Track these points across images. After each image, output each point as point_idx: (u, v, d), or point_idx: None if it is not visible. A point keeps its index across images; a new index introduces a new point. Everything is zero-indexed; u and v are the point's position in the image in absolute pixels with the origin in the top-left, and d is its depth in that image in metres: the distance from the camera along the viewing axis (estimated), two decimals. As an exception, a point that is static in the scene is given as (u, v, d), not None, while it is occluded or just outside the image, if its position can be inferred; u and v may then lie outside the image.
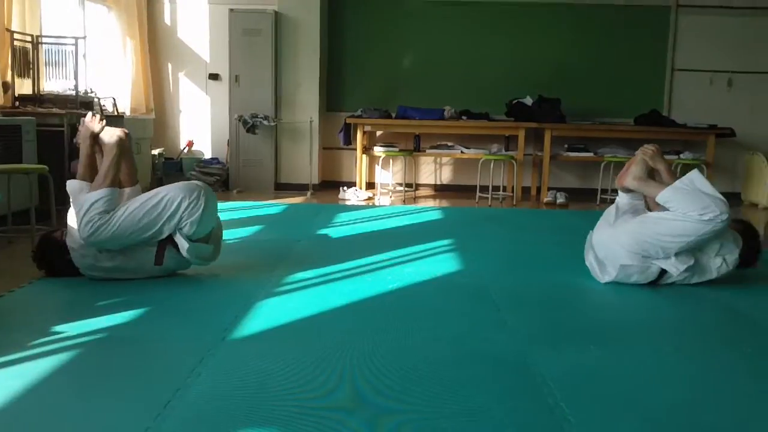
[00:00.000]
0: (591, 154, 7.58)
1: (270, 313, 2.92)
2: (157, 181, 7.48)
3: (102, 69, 7.16)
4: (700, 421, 1.97)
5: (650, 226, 3.32)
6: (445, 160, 8.18)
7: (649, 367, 2.40)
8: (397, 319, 2.89)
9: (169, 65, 8.03)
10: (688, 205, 3.22)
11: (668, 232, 3.25)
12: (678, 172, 5.66)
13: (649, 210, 3.55)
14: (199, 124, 8.06)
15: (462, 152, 7.65)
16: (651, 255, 3.32)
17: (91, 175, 3.39)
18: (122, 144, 3.43)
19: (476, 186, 7.29)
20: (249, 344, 2.53)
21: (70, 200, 3.34)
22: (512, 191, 7.48)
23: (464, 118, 7.56)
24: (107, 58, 7.22)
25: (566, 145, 7.67)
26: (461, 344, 2.60)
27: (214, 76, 7.96)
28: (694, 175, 3.40)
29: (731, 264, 3.42)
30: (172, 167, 7.72)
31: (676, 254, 3.30)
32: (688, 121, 7.64)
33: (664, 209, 3.34)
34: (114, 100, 6.80)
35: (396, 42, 8.02)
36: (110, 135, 3.44)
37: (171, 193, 3.26)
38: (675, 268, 3.30)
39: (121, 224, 3.17)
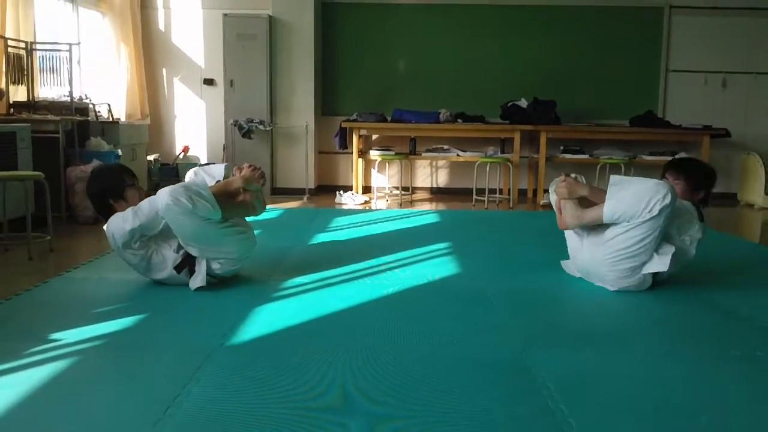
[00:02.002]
0: (587, 156, 7.59)
1: (268, 318, 2.91)
2: (154, 187, 7.47)
3: (96, 75, 7.14)
4: (697, 422, 1.97)
5: (615, 246, 3.28)
6: (441, 163, 8.18)
7: (645, 369, 2.40)
8: (395, 322, 2.89)
9: (164, 70, 8.02)
10: (633, 209, 3.17)
11: (633, 241, 3.22)
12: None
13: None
14: (195, 130, 8.06)
15: (458, 155, 7.65)
16: (636, 264, 3.30)
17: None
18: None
19: (472, 189, 7.29)
20: (247, 350, 2.52)
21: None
22: (508, 194, 7.49)
23: (460, 121, 7.56)
24: (102, 64, 7.20)
25: (562, 147, 7.68)
26: (459, 347, 2.59)
27: (209, 81, 7.95)
28: (615, 179, 3.32)
29: (697, 234, 3.38)
30: (168, 173, 7.70)
31: (657, 251, 3.27)
32: (682, 121, 7.66)
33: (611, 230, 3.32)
34: (109, 106, 6.79)
35: (390, 45, 8.03)
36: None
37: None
38: (663, 264, 3.27)
39: (192, 220, 3.15)
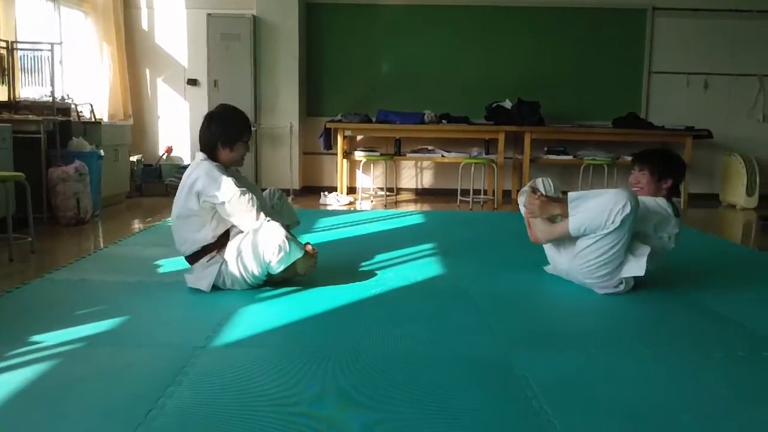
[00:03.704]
0: (570, 157, 7.62)
1: (252, 319, 2.90)
2: (136, 188, 7.42)
3: (79, 75, 7.09)
4: (679, 423, 1.98)
5: (587, 257, 3.32)
6: (425, 164, 8.19)
7: (629, 370, 2.41)
8: (380, 323, 2.88)
9: (147, 71, 7.97)
10: (597, 222, 3.20)
11: (603, 251, 3.25)
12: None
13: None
14: (178, 130, 8.01)
15: (442, 156, 7.66)
16: (611, 270, 3.32)
17: None
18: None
19: (457, 190, 7.31)
20: (231, 351, 2.51)
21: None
22: (493, 195, 7.51)
23: (444, 122, 7.57)
24: (84, 64, 7.14)
25: (546, 148, 7.71)
26: (444, 348, 2.59)
27: (192, 82, 7.91)
28: (573, 196, 3.36)
29: (673, 229, 3.40)
30: (151, 174, 7.66)
31: (633, 253, 3.29)
32: (665, 123, 7.71)
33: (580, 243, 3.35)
34: (91, 106, 6.73)
35: (375, 46, 8.02)
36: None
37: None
38: (639, 268, 3.29)
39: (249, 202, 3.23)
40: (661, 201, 3.44)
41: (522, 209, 3.70)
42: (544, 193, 3.61)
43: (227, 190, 3.22)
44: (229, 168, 3.42)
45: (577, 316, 3.16)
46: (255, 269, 3.24)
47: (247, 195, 3.25)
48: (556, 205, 3.50)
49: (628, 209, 3.15)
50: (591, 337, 2.78)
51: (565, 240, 3.50)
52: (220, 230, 3.34)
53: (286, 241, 3.19)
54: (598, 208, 3.20)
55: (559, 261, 3.63)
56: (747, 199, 7.44)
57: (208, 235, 3.32)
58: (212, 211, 3.30)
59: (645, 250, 3.29)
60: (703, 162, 8.00)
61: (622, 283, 3.38)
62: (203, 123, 3.41)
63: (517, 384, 2.22)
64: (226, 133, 3.36)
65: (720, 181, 7.91)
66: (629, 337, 2.81)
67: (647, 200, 3.40)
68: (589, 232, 3.26)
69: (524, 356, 2.49)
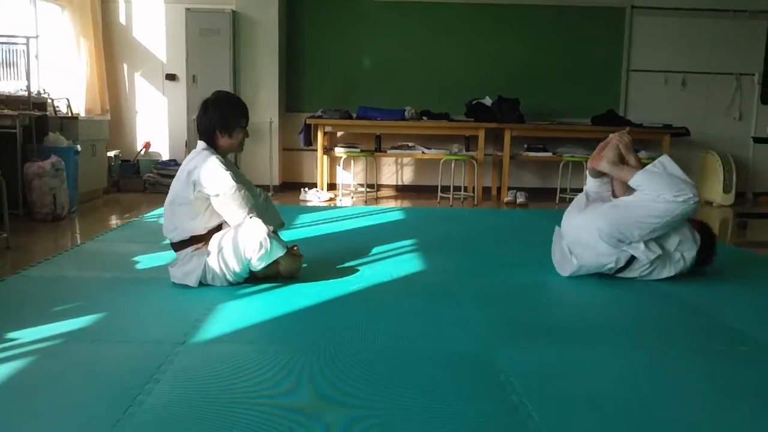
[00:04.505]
0: (550, 154, 7.66)
1: (232, 315, 2.88)
2: (114, 184, 7.35)
3: (55, 69, 6.99)
4: (658, 417, 1.99)
5: (624, 208, 3.39)
6: (406, 160, 8.19)
7: (609, 364, 2.42)
8: (360, 320, 2.87)
9: (125, 65, 7.89)
10: (661, 188, 3.29)
11: (642, 213, 3.32)
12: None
13: (616, 196, 3.61)
14: (156, 125, 7.94)
15: (423, 152, 7.66)
16: (625, 238, 3.37)
17: None
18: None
19: (438, 186, 7.31)
20: (210, 348, 2.49)
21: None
22: (473, 191, 7.52)
23: (425, 118, 7.57)
24: (60, 58, 7.05)
25: (525, 145, 7.74)
26: (425, 343, 2.59)
27: (171, 77, 7.84)
28: (665, 159, 3.46)
29: (689, 261, 3.50)
30: (129, 169, 7.59)
31: (646, 243, 3.36)
32: (643, 120, 7.78)
33: (631, 196, 3.41)
34: (68, 101, 6.65)
35: (356, 42, 8.00)
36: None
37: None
38: (645, 255, 3.38)
39: (237, 192, 3.22)
40: (697, 233, 3.57)
41: (611, 136, 3.70)
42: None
43: (223, 183, 3.21)
44: (227, 160, 3.40)
45: (557, 311, 3.18)
46: (235, 266, 3.22)
47: (241, 191, 3.24)
48: (636, 157, 3.64)
49: (693, 201, 3.29)
50: (571, 332, 2.80)
51: (603, 196, 3.61)
52: (213, 223, 3.32)
53: (268, 239, 3.17)
54: (672, 179, 3.33)
55: (575, 218, 3.59)
56: (724, 196, 7.52)
57: (199, 226, 3.30)
58: (206, 203, 3.27)
59: (658, 249, 3.40)
60: (680, 160, 7.90)
61: (614, 256, 3.42)
62: (200, 110, 3.38)
63: (497, 379, 2.23)
64: (224, 120, 3.34)
65: (697, 179, 7.98)
66: (609, 331, 2.83)
67: (690, 225, 3.55)
68: (647, 191, 3.33)
69: (504, 351, 2.50)
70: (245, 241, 3.17)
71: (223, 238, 3.23)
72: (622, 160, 3.62)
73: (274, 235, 3.27)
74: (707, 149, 7.88)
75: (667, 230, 3.38)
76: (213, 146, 3.35)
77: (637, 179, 3.38)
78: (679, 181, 3.32)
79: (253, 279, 3.36)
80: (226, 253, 3.20)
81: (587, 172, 3.80)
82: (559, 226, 3.72)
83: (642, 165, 3.55)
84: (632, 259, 3.44)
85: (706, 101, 8.16)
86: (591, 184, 3.75)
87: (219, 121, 3.33)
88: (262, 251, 3.17)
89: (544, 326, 2.87)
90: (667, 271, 3.51)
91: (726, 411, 2.05)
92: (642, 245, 3.38)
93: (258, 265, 3.23)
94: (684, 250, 3.47)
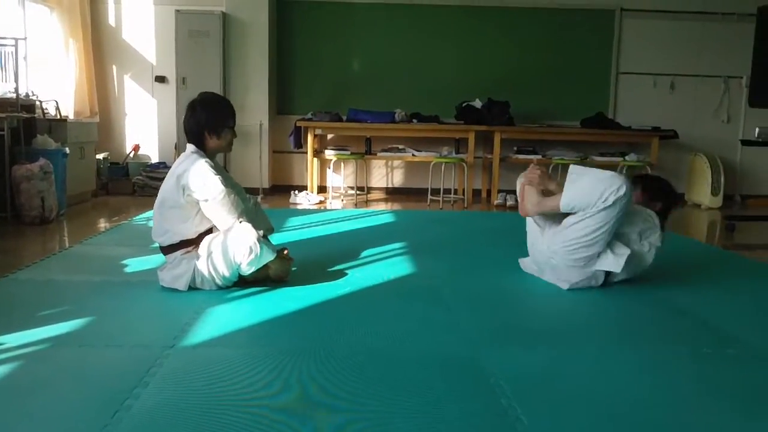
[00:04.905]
0: (539, 157, 7.68)
1: (221, 319, 2.87)
2: (103, 187, 7.32)
3: (44, 71, 6.96)
4: (646, 418, 2.00)
5: (570, 235, 3.36)
6: (396, 163, 8.19)
7: (597, 367, 2.43)
8: (350, 323, 2.87)
9: (114, 67, 7.86)
10: (588, 200, 3.24)
11: (587, 231, 3.29)
12: (623, 173, 5.74)
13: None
14: (146, 128, 7.91)
15: (413, 155, 7.66)
16: (590, 255, 3.36)
17: None
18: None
19: (428, 189, 7.32)
20: (200, 352, 2.48)
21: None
22: (463, 194, 7.54)
23: (415, 121, 7.58)
24: (49, 59, 7.01)
25: (515, 148, 7.76)
26: (414, 346, 2.59)
27: (160, 79, 7.82)
28: (574, 169, 3.40)
29: (657, 241, 3.48)
30: (118, 172, 7.55)
31: (613, 251, 3.35)
32: (632, 123, 7.81)
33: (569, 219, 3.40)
34: (56, 103, 6.61)
35: (346, 45, 8.00)
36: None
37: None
38: (617, 265, 3.35)
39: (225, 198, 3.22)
40: (651, 212, 3.53)
41: (519, 182, 3.70)
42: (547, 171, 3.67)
43: (213, 188, 3.19)
44: (216, 164, 3.39)
45: (546, 314, 3.19)
46: (225, 270, 3.21)
47: (231, 196, 3.23)
48: (553, 181, 3.57)
49: (622, 191, 3.20)
50: (559, 334, 2.81)
51: (549, 221, 3.55)
52: (203, 227, 3.31)
53: (258, 244, 3.16)
54: (592, 185, 3.26)
55: (539, 244, 3.62)
56: (712, 198, 7.56)
57: (189, 230, 3.29)
58: (196, 207, 3.26)
59: (625, 251, 3.36)
60: (669, 162, 8.12)
61: (593, 277, 3.42)
62: (187, 112, 3.36)
63: (486, 381, 2.23)
64: (211, 121, 3.32)
65: (686, 181, 8.03)
66: (597, 334, 2.84)
67: (638, 207, 3.51)
68: (579, 209, 3.29)
69: (493, 353, 2.50)
70: (235, 245, 3.16)
71: (213, 242, 3.22)
72: (545, 192, 3.57)
73: (263, 239, 3.27)
74: (696, 152, 7.92)
75: (619, 227, 3.34)
76: (202, 148, 3.34)
77: (564, 204, 3.34)
78: (599, 183, 3.25)
79: (242, 282, 3.35)
80: (215, 257, 3.19)
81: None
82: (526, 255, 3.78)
83: (561, 185, 3.48)
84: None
85: (694, 104, 8.20)
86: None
87: (207, 122, 3.32)
88: (252, 256, 3.16)
89: (533, 329, 2.88)
90: (646, 262, 3.51)
91: (714, 413, 2.06)
92: (609, 255, 3.35)
93: (247, 270, 3.22)
94: (648, 238, 3.46)
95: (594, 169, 3.40)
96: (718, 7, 7.99)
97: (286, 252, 3.51)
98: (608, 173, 3.32)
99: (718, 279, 3.93)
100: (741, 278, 4.03)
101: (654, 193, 3.66)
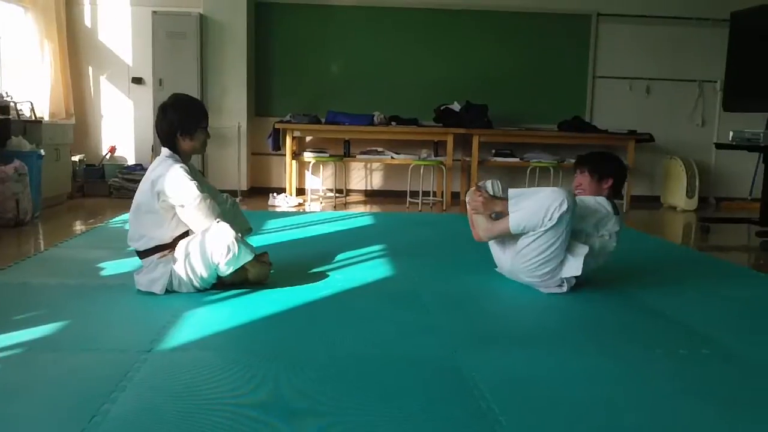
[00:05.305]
0: (517, 160, 7.73)
1: (199, 323, 2.85)
2: (78, 189, 7.24)
3: (19, 72, 6.87)
4: (623, 419, 2.02)
5: (527, 255, 3.38)
6: (375, 165, 8.20)
7: (575, 368, 2.45)
8: (329, 325, 2.87)
9: (90, 68, 7.78)
10: (534, 220, 3.26)
11: (542, 249, 3.32)
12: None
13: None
14: (122, 130, 7.84)
15: (392, 158, 7.67)
16: (552, 271, 3.39)
17: None
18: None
19: (407, 191, 7.33)
20: (177, 355, 2.46)
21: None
22: (442, 196, 7.56)
23: (394, 123, 7.59)
24: (24, 60, 6.93)
25: (493, 151, 7.80)
26: (393, 349, 2.59)
27: (137, 80, 7.75)
28: (512, 193, 3.42)
29: (614, 227, 3.48)
30: (94, 174, 7.47)
31: (572, 254, 3.36)
32: (609, 126, 7.88)
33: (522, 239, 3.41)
34: (31, 104, 6.54)
35: (325, 47, 7.99)
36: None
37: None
38: (576, 269, 3.37)
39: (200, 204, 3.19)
40: (601, 200, 3.52)
41: (468, 201, 3.72)
42: (491, 193, 3.66)
43: (188, 193, 3.17)
44: (191, 167, 3.37)
45: (524, 316, 3.21)
46: (203, 271, 3.19)
47: (207, 201, 3.20)
48: (498, 203, 3.55)
49: (565, 206, 3.21)
50: (538, 337, 2.82)
51: (507, 238, 3.57)
52: (179, 232, 3.28)
53: (236, 243, 3.15)
54: (536, 205, 3.27)
55: (503, 260, 3.69)
56: (687, 201, 7.66)
57: (165, 235, 3.26)
58: (172, 211, 3.24)
59: (583, 250, 3.37)
60: (645, 165, 8.21)
61: (564, 283, 3.45)
62: (158, 114, 3.33)
63: (464, 384, 2.24)
64: (183, 122, 3.29)
65: (661, 184, 8.12)
66: (575, 336, 2.87)
67: (587, 199, 3.50)
68: (529, 229, 3.32)
69: (472, 356, 2.51)
70: (212, 245, 3.15)
71: (190, 244, 3.20)
72: (494, 215, 3.57)
73: (241, 240, 3.25)
74: (671, 155, 8.02)
75: (574, 224, 3.35)
76: (175, 150, 3.31)
77: (513, 227, 3.36)
78: (541, 201, 3.26)
79: (220, 285, 3.33)
80: (193, 258, 3.17)
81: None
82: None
83: (505, 200, 3.48)
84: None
85: (669, 108, 8.30)
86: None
87: (179, 123, 3.28)
88: (230, 255, 3.15)
89: (511, 331, 2.90)
90: (608, 249, 3.51)
91: (689, 413, 2.09)
92: (570, 259, 3.37)
93: (226, 270, 3.21)
94: (605, 227, 3.47)
95: (534, 189, 3.45)
96: (693, 13, 8.10)
97: (266, 257, 3.51)
98: (548, 190, 3.34)
99: (692, 280, 3.97)
100: (715, 279, 4.08)
101: (602, 172, 3.61)
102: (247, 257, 3.24)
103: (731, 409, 2.13)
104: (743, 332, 3.00)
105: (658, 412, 2.09)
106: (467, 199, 3.72)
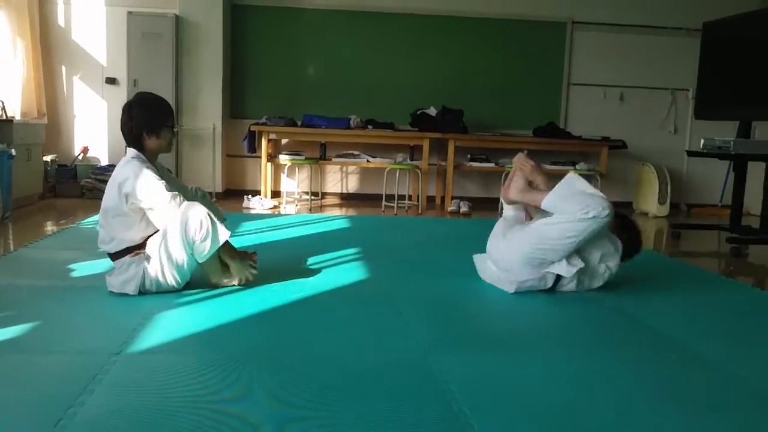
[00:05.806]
0: (492, 165, 7.77)
1: (170, 324, 2.83)
2: (50, 189, 7.15)
3: (-11, 70, 6.78)
4: (592, 421, 2.04)
5: (539, 232, 3.41)
6: (351, 168, 8.19)
7: (546, 371, 2.47)
8: (301, 329, 2.86)
9: (63, 68, 7.69)
10: (570, 207, 3.33)
11: (557, 234, 3.35)
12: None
13: (531, 218, 3.70)
14: (95, 130, 7.75)
15: (368, 161, 7.68)
16: (546, 259, 3.43)
17: None
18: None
19: (382, 195, 7.34)
20: (148, 358, 2.44)
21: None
22: (417, 200, 7.57)
23: (370, 127, 7.60)
24: (-5, 59, 6.84)
25: (469, 156, 7.83)
26: (366, 351, 2.59)
27: (111, 80, 7.68)
28: (571, 178, 3.50)
29: (614, 268, 3.58)
30: (66, 174, 7.38)
31: (568, 261, 3.42)
32: (582, 133, 7.95)
33: (546, 216, 3.47)
34: (2, 103, 6.45)
35: (301, 50, 7.98)
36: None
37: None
38: (567, 271, 3.42)
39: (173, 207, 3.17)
40: (617, 239, 3.60)
41: (515, 162, 3.81)
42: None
43: (157, 194, 3.14)
44: (158, 166, 3.34)
45: (496, 319, 3.22)
46: (179, 254, 3.16)
47: (177, 199, 3.18)
48: (543, 176, 3.69)
49: (605, 213, 3.30)
50: (509, 340, 2.84)
51: (517, 223, 3.67)
52: (149, 232, 3.25)
53: (208, 218, 3.14)
54: (580, 197, 3.35)
55: (500, 239, 3.64)
56: (659, 207, 7.74)
57: (136, 236, 3.23)
58: (141, 212, 3.21)
59: (579, 263, 3.44)
60: (617, 171, 8.29)
61: (543, 279, 3.49)
62: (123, 114, 3.29)
63: (436, 386, 2.24)
64: (149, 121, 3.25)
65: (634, 190, 8.21)
66: (546, 339, 2.89)
67: (609, 232, 3.57)
68: (558, 212, 3.37)
69: (444, 359, 2.52)
70: (188, 222, 3.12)
71: (168, 228, 3.17)
72: (531, 184, 3.69)
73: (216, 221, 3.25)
74: (643, 161, 8.11)
75: (585, 244, 3.41)
76: (141, 149, 3.27)
77: (546, 202, 3.44)
78: (587, 197, 3.35)
79: (200, 285, 3.31)
80: (170, 240, 3.14)
81: (502, 199, 3.88)
82: (483, 251, 3.81)
83: (551, 185, 3.59)
84: (559, 277, 3.51)
85: (642, 115, 8.40)
86: (508, 209, 3.86)
87: (145, 122, 3.25)
88: (203, 231, 3.13)
89: (483, 334, 2.91)
90: (597, 282, 3.60)
91: (657, 416, 2.11)
92: (564, 262, 3.42)
93: (202, 250, 3.18)
94: (608, 262, 3.55)
95: (588, 186, 3.48)
96: (667, 22, 8.21)
97: (255, 257, 3.53)
98: (599, 195, 3.40)
99: (663, 285, 4.02)
100: (685, 285, 4.14)
101: (620, 226, 3.71)
102: (224, 235, 3.24)
103: (698, 411, 2.16)
104: (712, 337, 3.04)
105: (627, 414, 2.11)
106: (515, 159, 3.82)
